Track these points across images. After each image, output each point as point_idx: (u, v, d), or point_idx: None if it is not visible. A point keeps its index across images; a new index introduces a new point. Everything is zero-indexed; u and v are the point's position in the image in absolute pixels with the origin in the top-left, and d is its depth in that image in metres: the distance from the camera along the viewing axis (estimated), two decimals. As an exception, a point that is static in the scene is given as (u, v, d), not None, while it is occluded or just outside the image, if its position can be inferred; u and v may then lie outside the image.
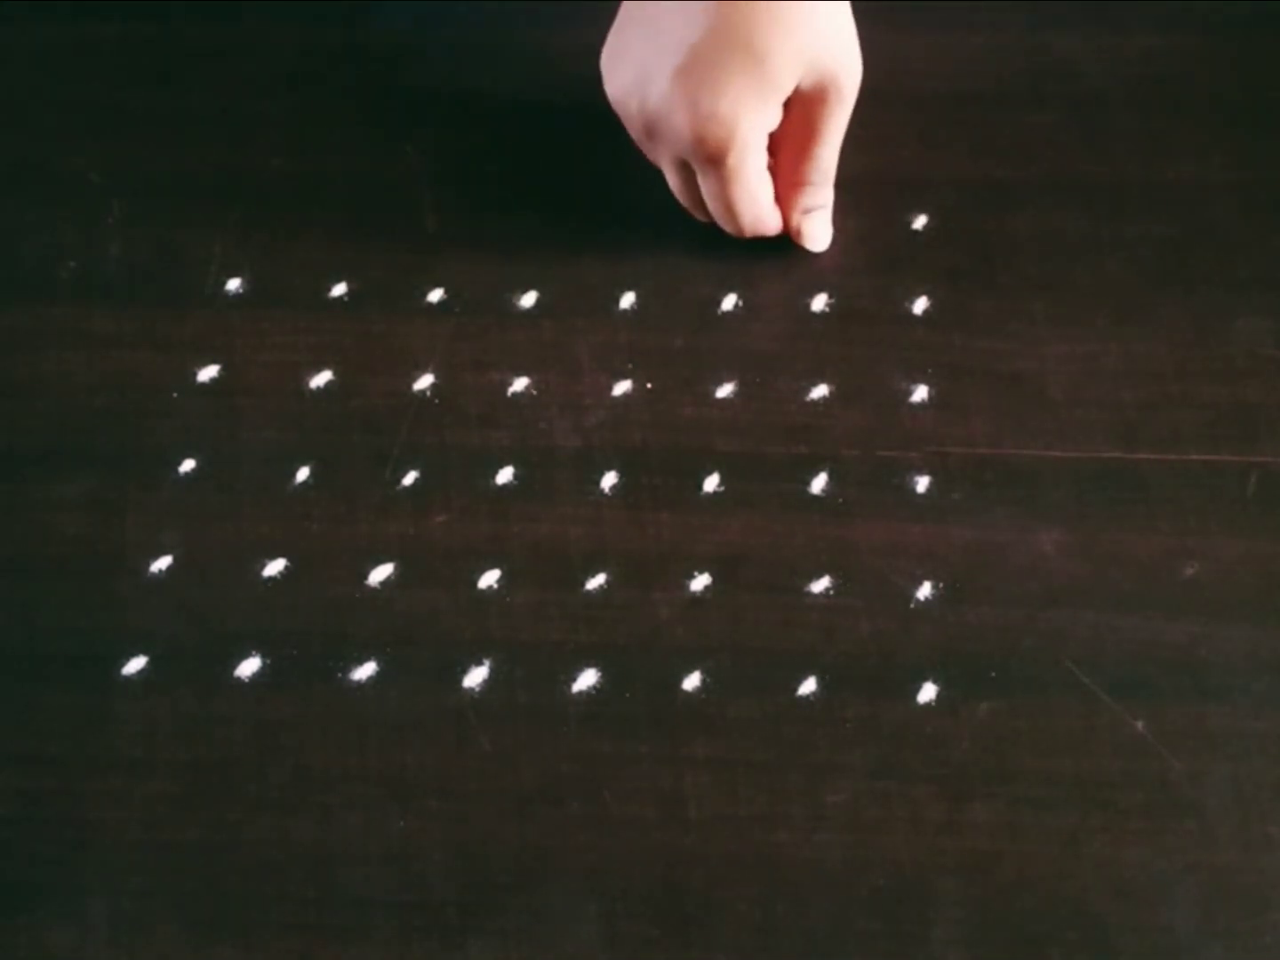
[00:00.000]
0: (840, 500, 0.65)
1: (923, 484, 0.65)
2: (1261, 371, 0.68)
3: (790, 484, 0.65)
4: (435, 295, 0.70)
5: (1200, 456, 0.66)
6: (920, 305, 0.69)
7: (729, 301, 0.70)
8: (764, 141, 0.67)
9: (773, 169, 0.68)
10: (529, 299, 0.70)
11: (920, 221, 0.72)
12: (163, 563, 0.63)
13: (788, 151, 0.68)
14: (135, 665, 0.61)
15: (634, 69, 0.67)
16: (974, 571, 0.63)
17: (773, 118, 0.66)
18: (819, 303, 0.70)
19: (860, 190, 0.72)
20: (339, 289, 0.70)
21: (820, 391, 0.67)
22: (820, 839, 0.58)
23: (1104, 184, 0.73)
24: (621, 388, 0.67)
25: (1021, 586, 0.63)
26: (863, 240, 0.71)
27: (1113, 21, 0.77)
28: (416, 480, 0.65)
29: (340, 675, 0.61)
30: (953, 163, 0.73)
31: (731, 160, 0.65)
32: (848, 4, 0.67)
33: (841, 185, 0.72)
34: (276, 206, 0.72)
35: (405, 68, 0.76)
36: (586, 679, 0.61)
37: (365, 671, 0.61)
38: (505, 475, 0.65)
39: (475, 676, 0.61)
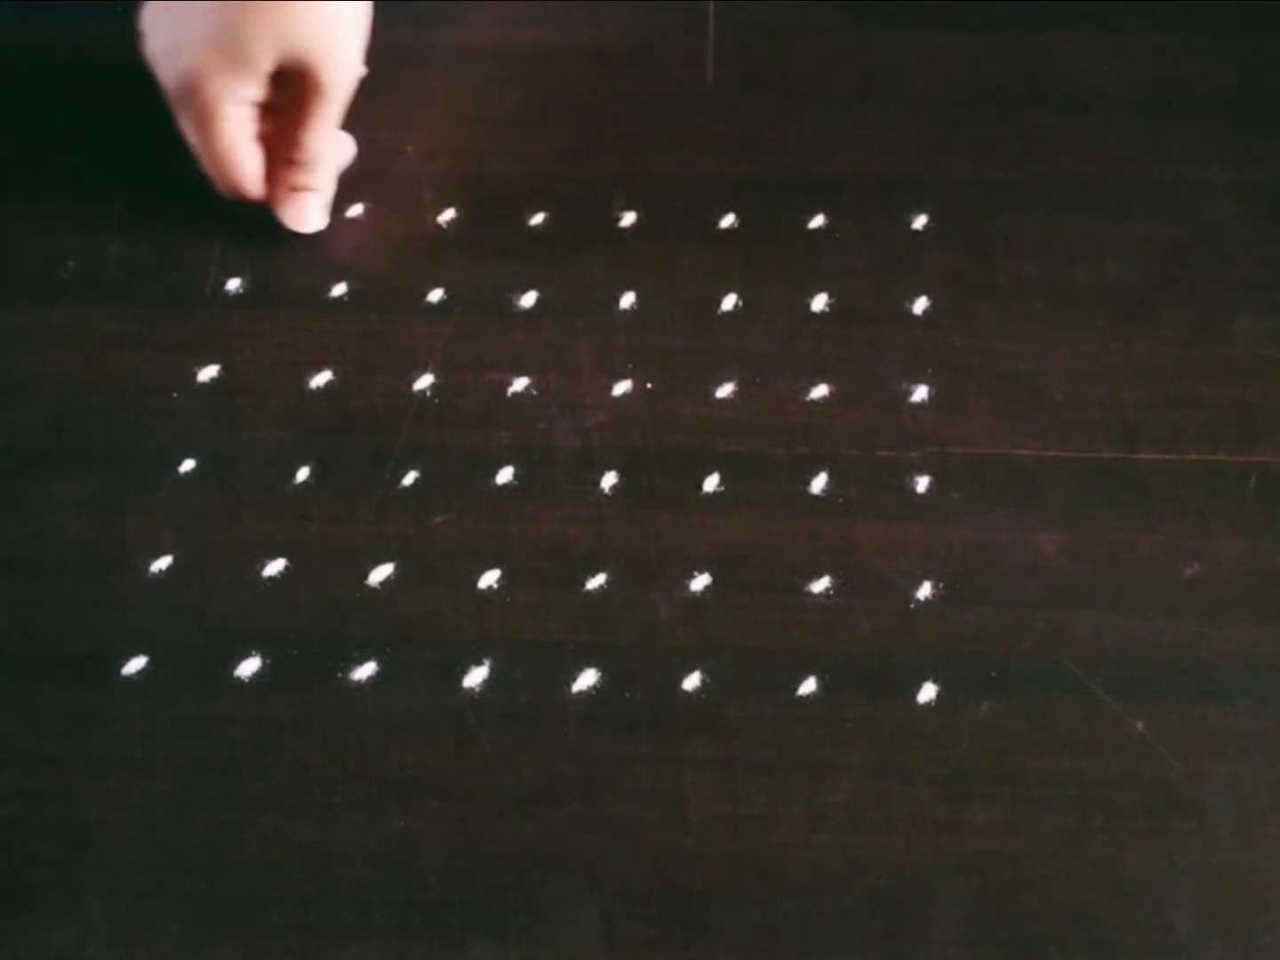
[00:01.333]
0: (840, 500, 0.65)
1: (923, 484, 0.65)
2: (1261, 371, 0.68)
3: (790, 484, 0.65)
4: (435, 295, 0.70)
5: (1200, 456, 0.66)
6: (920, 305, 0.69)
7: (729, 301, 0.70)
8: (239, 111, 0.68)
9: (265, 145, 0.69)
10: (529, 299, 0.70)
11: (920, 221, 0.72)
12: (163, 563, 0.63)
13: (276, 128, 0.69)
14: (135, 665, 0.61)
15: (166, 25, 0.68)
16: (974, 571, 0.63)
17: (248, 90, 0.67)
18: (819, 303, 0.70)
19: (860, 190, 0.72)
20: (339, 289, 0.70)
21: (820, 391, 0.67)
22: (820, 839, 0.58)
23: (1104, 184, 0.73)
24: (621, 388, 0.67)
25: (1021, 586, 0.63)
26: (863, 240, 0.71)
27: (1113, 21, 0.77)
28: (416, 480, 0.65)
29: (340, 675, 0.61)
30: (953, 163, 0.73)
31: (195, 116, 0.67)
32: (351, 3, 0.68)
33: (842, 185, 0.72)
34: (276, 206, 0.72)
35: (405, 68, 0.76)
36: (586, 679, 0.61)
37: (365, 671, 0.61)
38: (505, 475, 0.65)
39: (475, 676, 0.61)
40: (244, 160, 0.69)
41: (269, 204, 0.70)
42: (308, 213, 0.71)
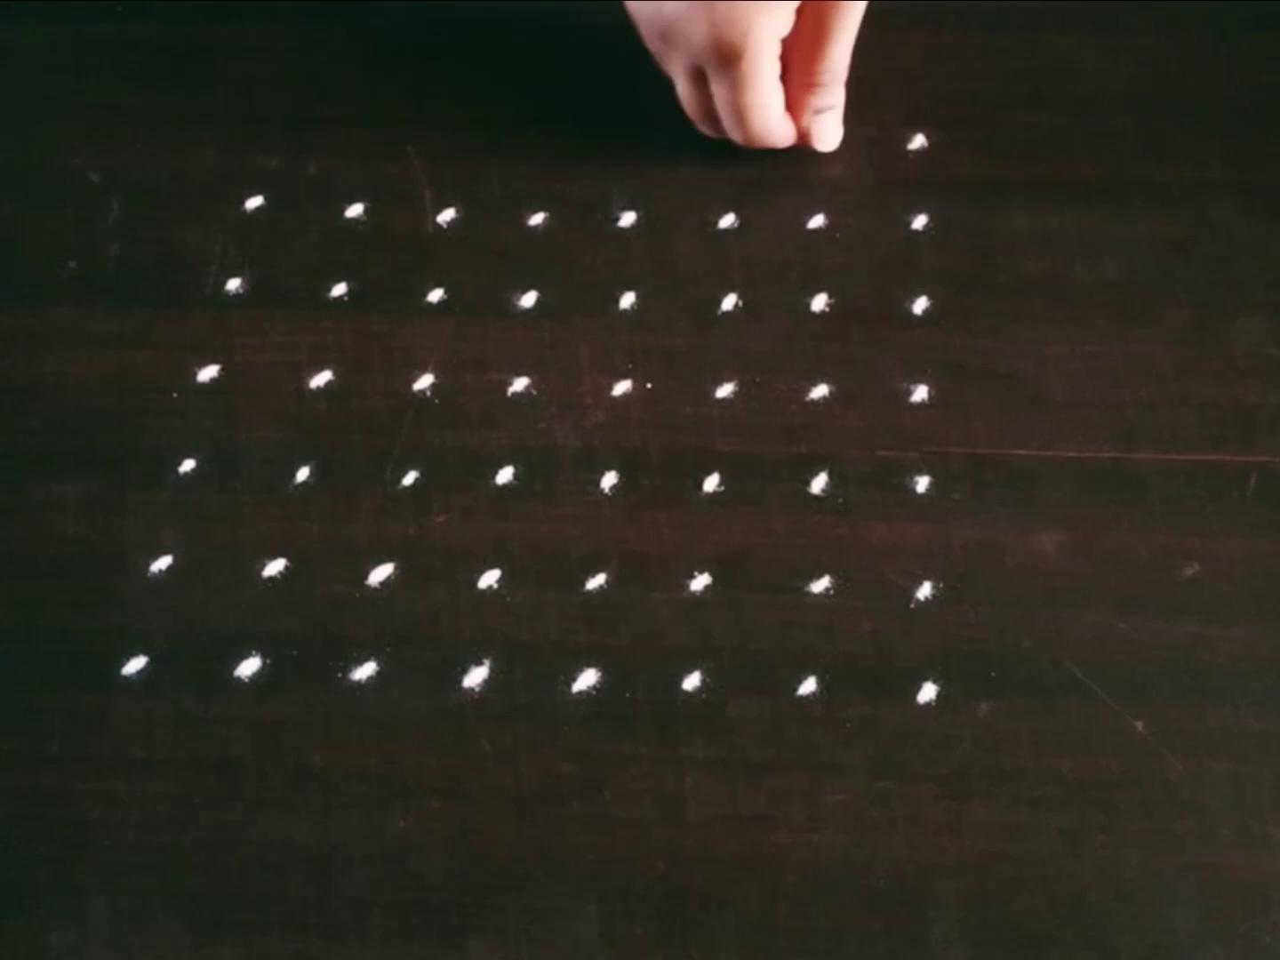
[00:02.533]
0: (840, 500, 0.65)
1: (923, 484, 0.65)
2: (1261, 371, 0.68)
3: (790, 484, 0.65)
4: (435, 295, 0.70)
5: (1200, 456, 0.66)
6: (920, 305, 0.69)
7: (729, 301, 0.70)
8: (777, 48, 0.68)
9: (783, 78, 0.70)
10: (529, 299, 0.70)
11: (920, 221, 0.72)
12: (163, 563, 0.63)
13: (799, 53, 0.70)
14: (135, 665, 0.61)
15: None
16: (974, 571, 0.63)
17: (785, 22, 0.67)
18: (819, 303, 0.70)
19: (860, 189, 0.72)
20: (339, 289, 0.70)
21: (820, 391, 0.67)
22: (820, 839, 0.58)
23: (1104, 184, 0.73)
24: (621, 388, 0.67)
25: (1021, 586, 0.63)
26: (863, 240, 0.71)
27: (1113, 21, 0.77)
28: (416, 480, 0.65)
29: (340, 675, 0.61)
30: (953, 163, 0.73)
31: (745, 65, 0.67)
32: None
33: (842, 185, 0.72)
34: (276, 206, 0.72)
35: (405, 68, 0.76)
36: (586, 679, 0.61)
37: (365, 671, 0.61)
38: (505, 475, 0.65)
39: (475, 676, 0.61)
40: (779, 103, 0.70)
41: (797, 138, 0.71)
42: (833, 130, 0.72)
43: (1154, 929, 0.57)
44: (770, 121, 0.70)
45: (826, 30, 0.69)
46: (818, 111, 0.71)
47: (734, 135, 0.71)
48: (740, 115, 0.69)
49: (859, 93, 0.74)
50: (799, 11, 0.68)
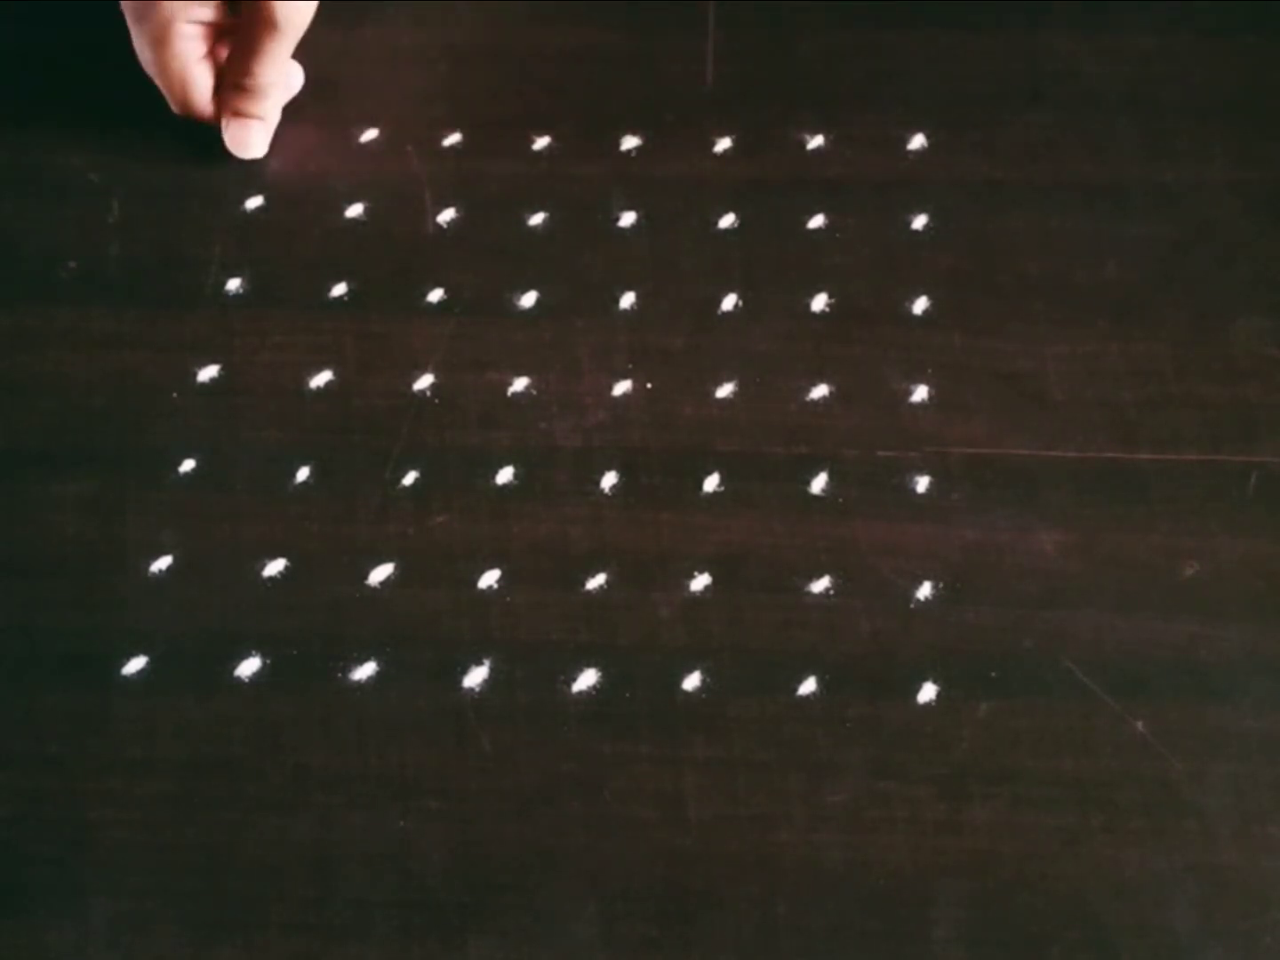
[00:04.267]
0: (840, 500, 0.65)
1: (923, 484, 0.65)
2: (1261, 371, 0.68)
3: (790, 484, 0.65)
4: (435, 295, 0.70)
5: (1200, 456, 0.66)
6: (920, 305, 0.69)
7: (729, 301, 0.70)
8: (192, 30, 0.70)
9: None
10: (529, 299, 0.70)
11: (920, 221, 0.72)
12: (163, 563, 0.63)
13: (229, 51, 0.71)
14: (135, 665, 0.61)
15: None
16: (974, 571, 0.63)
17: (202, 10, 0.70)
18: (819, 303, 0.70)
19: (860, 190, 0.72)
20: (339, 289, 0.70)
21: (820, 391, 0.67)
22: (820, 839, 0.58)
23: (1104, 184, 0.73)
24: (621, 388, 0.67)
25: (1021, 586, 0.63)
26: (863, 240, 0.71)
27: (1113, 21, 0.77)
28: (416, 480, 0.65)
29: (340, 675, 0.61)
30: (953, 163, 0.73)
31: (150, 33, 0.70)
32: None
33: (842, 185, 0.72)
34: (276, 206, 0.72)
35: (405, 68, 0.76)
36: (586, 679, 0.61)
37: (365, 671, 0.61)
38: (505, 475, 0.65)
39: (475, 676, 0.61)
40: (196, 79, 0.71)
41: (216, 124, 0.72)
42: (250, 139, 0.72)
43: (1154, 929, 0.57)
44: (186, 95, 0.71)
45: (251, 39, 0.70)
46: (237, 113, 0.71)
47: (167, 98, 0.72)
48: (158, 77, 0.71)
49: (859, 92, 0.75)
50: (231, 6, 0.70)
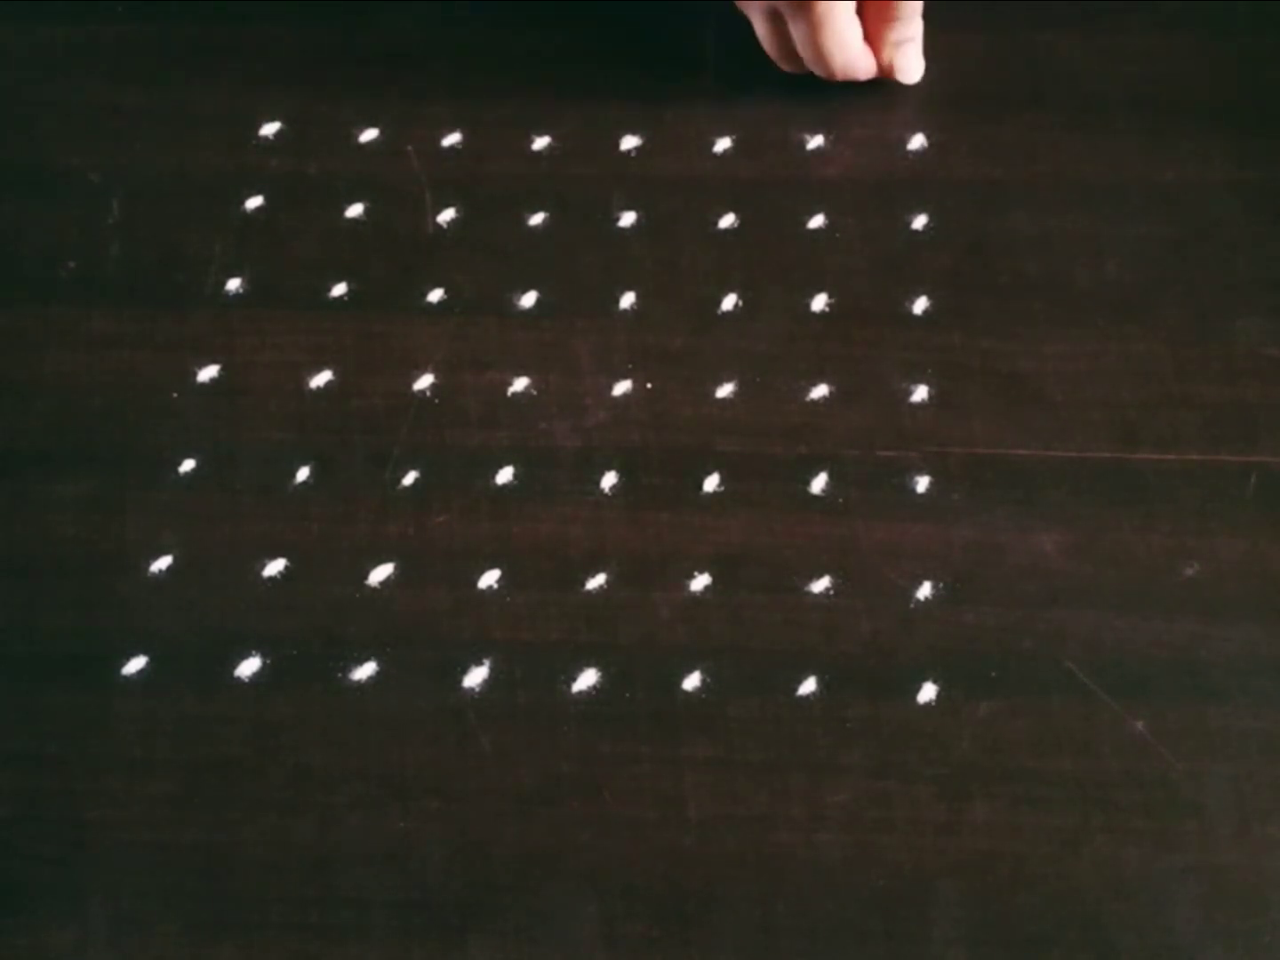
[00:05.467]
0: (840, 500, 0.65)
1: (923, 484, 0.65)
2: (1261, 371, 0.68)
3: (790, 484, 0.65)
4: (435, 295, 0.70)
5: (1200, 456, 0.66)
6: (920, 305, 0.69)
7: (729, 301, 0.70)
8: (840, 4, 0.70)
9: (861, 12, 0.72)
10: (529, 299, 0.70)
11: (920, 221, 0.72)
12: (163, 563, 0.63)
13: None
14: (135, 665, 0.61)
15: None
16: (974, 571, 0.63)
17: None
18: (819, 303, 0.70)
19: (860, 190, 0.72)
20: (339, 289, 0.70)
21: (820, 391, 0.67)
22: (820, 839, 0.58)
23: (1104, 184, 0.73)
24: (621, 388, 0.67)
25: (1021, 586, 0.63)
26: (863, 240, 0.71)
27: (1113, 21, 0.77)
28: (416, 480, 0.65)
29: (340, 675, 0.61)
30: (953, 163, 0.73)
31: (820, 5, 0.69)
32: None
33: (842, 185, 0.72)
34: (276, 206, 0.72)
35: (405, 68, 0.76)
36: (586, 679, 0.61)
37: (365, 671, 0.61)
38: (505, 475, 0.65)
39: (475, 676, 0.61)
40: (856, 37, 0.72)
41: (880, 71, 0.73)
42: (915, 61, 0.74)
43: (1154, 929, 0.57)
44: (851, 56, 0.72)
45: None
46: (897, 44, 0.73)
47: (817, 71, 0.73)
48: (820, 53, 0.71)
49: (859, 92, 0.75)
50: None
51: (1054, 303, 0.69)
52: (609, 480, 0.65)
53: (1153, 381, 0.68)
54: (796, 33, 0.71)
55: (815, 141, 0.74)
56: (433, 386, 0.67)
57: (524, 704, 0.61)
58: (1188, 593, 0.63)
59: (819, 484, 0.65)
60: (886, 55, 0.73)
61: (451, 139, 0.74)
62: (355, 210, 0.72)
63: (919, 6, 0.73)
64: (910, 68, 0.74)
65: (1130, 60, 0.76)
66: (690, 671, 0.61)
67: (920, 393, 0.67)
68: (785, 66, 0.74)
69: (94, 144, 0.74)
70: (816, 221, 0.72)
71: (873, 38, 0.73)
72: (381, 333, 0.69)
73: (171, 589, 0.63)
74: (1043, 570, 0.63)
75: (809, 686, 0.61)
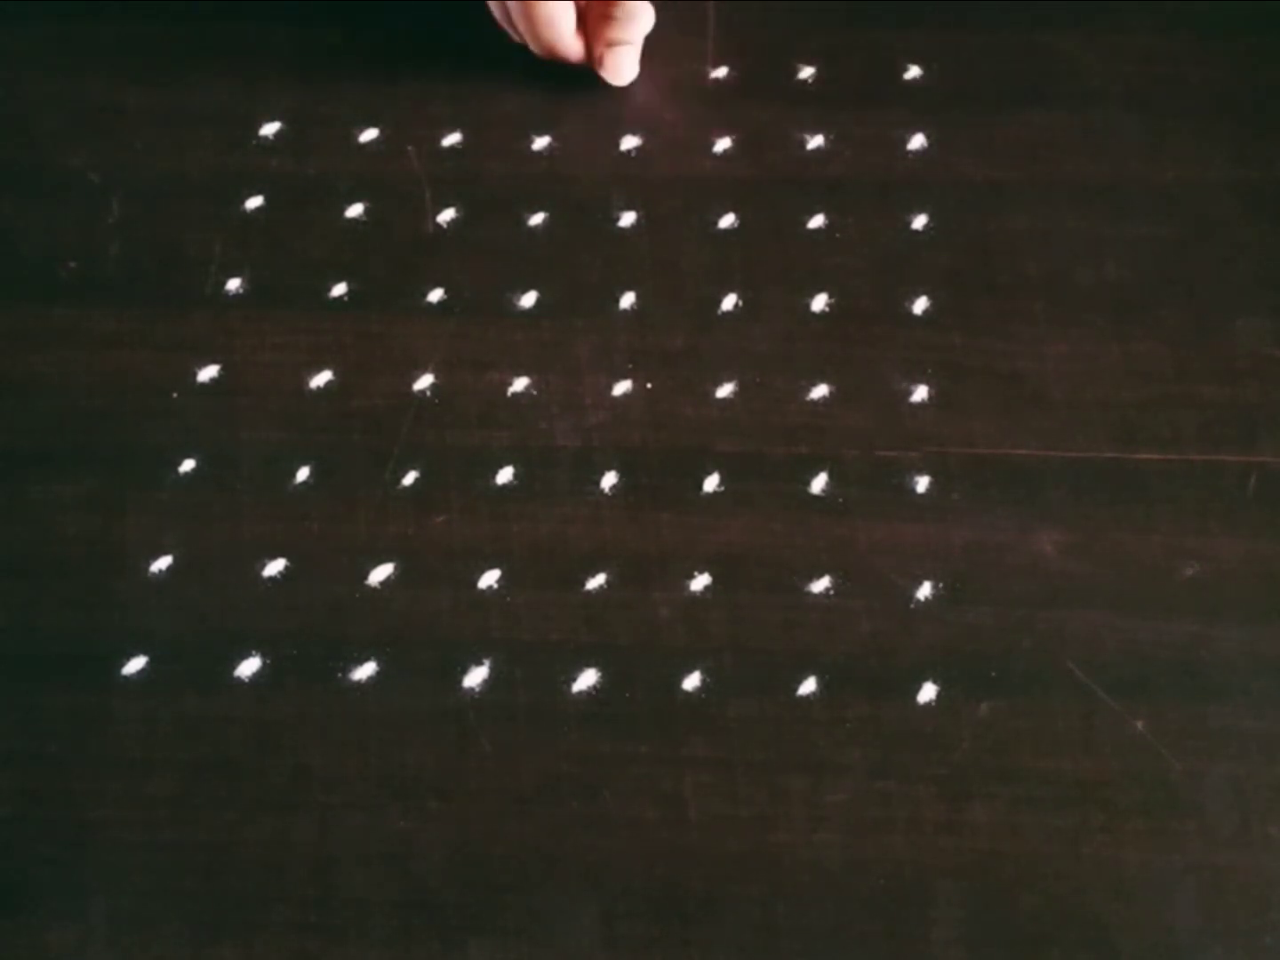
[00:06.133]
0: (840, 500, 0.65)
1: (923, 484, 0.65)
2: (1261, 371, 0.68)
3: (790, 484, 0.65)
4: (435, 295, 0.70)
5: (1200, 456, 0.66)
6: (920, 305, 0.69)
7: (729, 301, 0.70)
8: None
9: (583, 8, 0.74)
10: (529, 299, 0.70)
11: (920, 221, 0.72)
12: (163, 563, 0.63)
13: None
14: (135, 665, 0.61)
15: None
16: (974, 571, 0.63)
17: None
18: (819, 303, 0.70)
19: (860, 190, 0.72)
20: (339, 289, 0.70)
21: (820, 391, 0.67)
22: (820, 839, 0.58)
23: (1104, 184, 0.73)
24: (621, 388, 0.67)
25: (1021, 586, 0.63)
26: (863, 240, 0.71)
27: (1113, 21, 0.77)
28: (416, 480, 0.65)
29: (340, 675, 0.61)
30: (953, 163, 0.73)
31: None
32: None
33: (842, 185, 0.72)
34: (276, 206, 0.72)
35: (405, 68, 0.76)
36: (586, 679, 0.61)
37: (365, 671, 0.61)
38: (505, 475, 0.65)
39: (475, 676, 0.61)
40: (565, 20, 0.73)
41: (588, 62, 0.74)
42: (627, 65, 0.74)
43: (1154, 929, 0.57)
44: (554, 36, 0.73)
45: None
46: (609, 44, 0.73)
47: (529, 43, 0.74)
48: (528, 23, 0.73)
49: (859, 92, 0.75)
50: None
51: (1054, 303, 0.69)
52: (609, 480, 0.65)
53: (1153, 381, 0.68)
54: (512, 7, 0.73)
55: (815, 141, 0.74)
56: (433, 386, 0.67)
57: (524, 704, 0.61)
58: (1188, 593, 0.63)
59: (819, 484, 0.65)
60: (598, 51, 0.74)
61: (451, 139, 0.74)
62: (355, 210, 0.72)
63: (641, 13, 0.73)
64: (618, 70, 0.74)
65: (1130, 60, 0.76)
66: (690, 671, 0.61)
67: (920, 393, 0.67)
68: (514, 36, 0.75)
69: (94, 144, 0.74)
70: (816, 221, 0.72)
71: (590, 30, 0.74)
72: (381, 333, 0.69)
73: (171, 589, 0.63)
74: (1043, 570, 0.63)
75: (809, 686, 0.61)
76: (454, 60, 0.76)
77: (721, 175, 0.73)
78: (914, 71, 0.76)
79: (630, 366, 0.68)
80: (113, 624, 0.62)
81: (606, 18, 0.74)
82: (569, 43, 0.73)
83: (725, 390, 0.67)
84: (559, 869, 0.58)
